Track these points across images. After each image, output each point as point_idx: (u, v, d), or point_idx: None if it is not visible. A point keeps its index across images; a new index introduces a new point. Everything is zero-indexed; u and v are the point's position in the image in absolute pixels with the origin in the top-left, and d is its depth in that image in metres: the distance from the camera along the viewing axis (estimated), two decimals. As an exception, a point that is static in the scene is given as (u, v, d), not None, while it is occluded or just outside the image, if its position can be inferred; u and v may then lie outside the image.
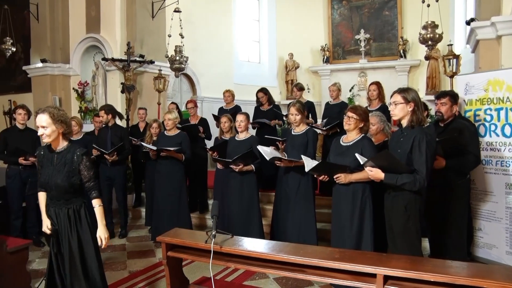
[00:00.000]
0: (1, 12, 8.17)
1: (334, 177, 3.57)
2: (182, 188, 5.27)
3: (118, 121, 5.99)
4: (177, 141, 5.18)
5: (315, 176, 3.81)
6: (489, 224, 4.35)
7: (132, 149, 6.02)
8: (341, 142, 3.73)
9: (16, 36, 8.26)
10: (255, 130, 6.46)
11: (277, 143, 5.20)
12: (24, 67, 8.66)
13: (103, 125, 5.87)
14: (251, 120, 5.64)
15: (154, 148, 5.16)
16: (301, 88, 6.62)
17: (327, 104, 6.39)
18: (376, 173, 3.12)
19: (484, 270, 2.61)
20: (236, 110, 6.34)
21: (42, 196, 3.13)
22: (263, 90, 6.54)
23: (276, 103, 6.82)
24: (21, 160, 5.15)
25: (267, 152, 4.38)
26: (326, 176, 3.68)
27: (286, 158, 4.31)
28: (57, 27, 8.36)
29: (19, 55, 8.86)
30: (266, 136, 5.57)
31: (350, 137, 3.67)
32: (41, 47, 8.41)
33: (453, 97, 3.97)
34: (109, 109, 5.78)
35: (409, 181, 2.98)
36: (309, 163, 3.73)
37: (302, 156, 3.93)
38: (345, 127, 3.67)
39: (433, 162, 3.15)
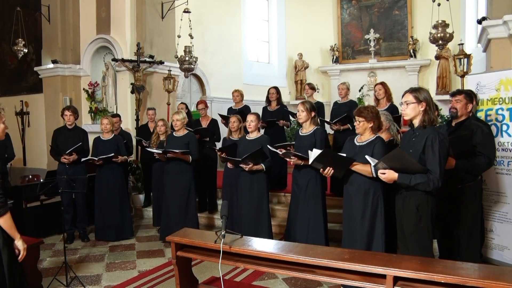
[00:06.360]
0: (14, 13, 8.29)
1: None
2: (190, 188, 5.27)
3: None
4: (185, 141, 5.20)
5: (320, 170, 3.73)
6: (501, 226, 4.30)
7: (142, 150, 6.06)
8: (355, 141, 3.71)
9: (28, 38, 8.39)
10: (262, 130, 6.43)
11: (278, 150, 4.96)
12: (35, 68, 8.76)
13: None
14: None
15: (160, 151, 5.16)
16: (313, 88, 6.73)
17: (335, 103, 6.36)
18: (390, 175, 3.09)
19: (496, 272, 2.58)
20: (245, 110, 6.35)
21: None
22: (276, 88, 6.58)
23: (283, 104, 6.82)
24: (62, 159, 5.39)
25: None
26: (331, 169, 3.58)
27: (296, 152, 4.30)
28: (68, 28, 8.45)
29: (31, 56, 8.96)
30: (269, 147, 5.03)
31: (364, 137, 3.65)
32: (52, 48, 8.50)
33: (468, 95, 3.90)
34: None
35: (423, 181, 2.95)
36: (312, 155, 3.66)
37: (309, 151, 3.86)
38: (357, 131, 3.67)
39: (446, 162, 3.11)
